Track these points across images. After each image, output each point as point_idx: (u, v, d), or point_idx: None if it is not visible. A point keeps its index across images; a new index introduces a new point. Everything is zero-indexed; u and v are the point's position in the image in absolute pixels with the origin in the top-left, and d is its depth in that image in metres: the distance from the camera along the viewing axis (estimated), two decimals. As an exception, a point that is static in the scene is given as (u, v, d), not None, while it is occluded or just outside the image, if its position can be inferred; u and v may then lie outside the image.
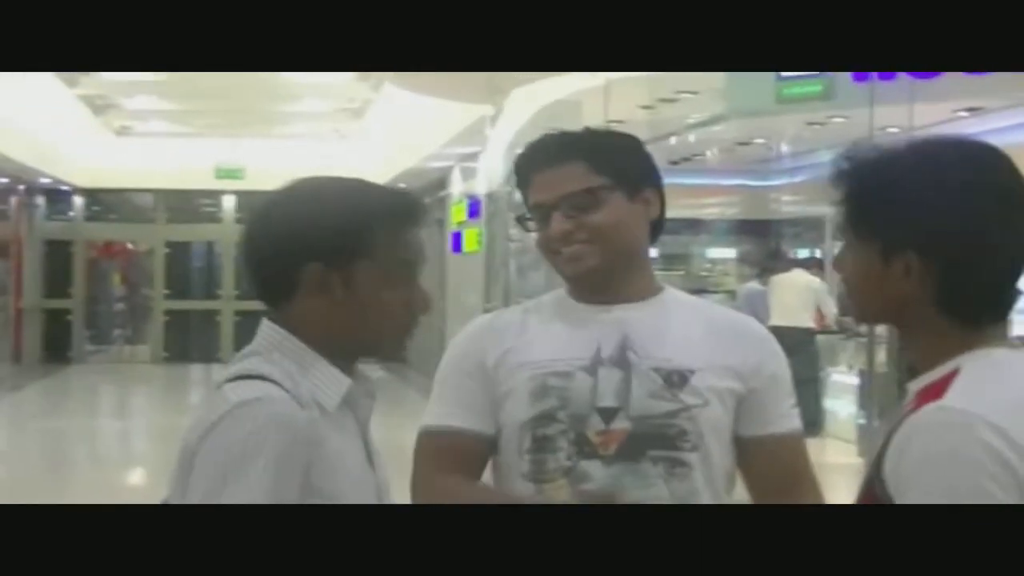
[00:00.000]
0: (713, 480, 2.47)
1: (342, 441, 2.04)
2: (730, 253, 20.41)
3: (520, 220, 2.56)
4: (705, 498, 2.44)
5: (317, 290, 2.04)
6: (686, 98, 11.70)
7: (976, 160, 1.91)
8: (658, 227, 2.58)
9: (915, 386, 1.93)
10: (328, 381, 2.05)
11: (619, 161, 2.52)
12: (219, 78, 15.19)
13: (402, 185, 22.75)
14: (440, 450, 2.53)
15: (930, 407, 1.81)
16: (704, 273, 20.39)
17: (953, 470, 1.74)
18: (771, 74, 10.02)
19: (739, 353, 2.50)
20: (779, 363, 2.56)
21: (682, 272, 19.57)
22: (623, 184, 2.49)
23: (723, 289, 18.19)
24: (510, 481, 2.50)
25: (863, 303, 2.01)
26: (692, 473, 2.44)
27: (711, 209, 20.27)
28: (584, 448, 2.44)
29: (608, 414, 2.44)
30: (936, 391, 1.84)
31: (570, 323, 2.53)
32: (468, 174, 17.69)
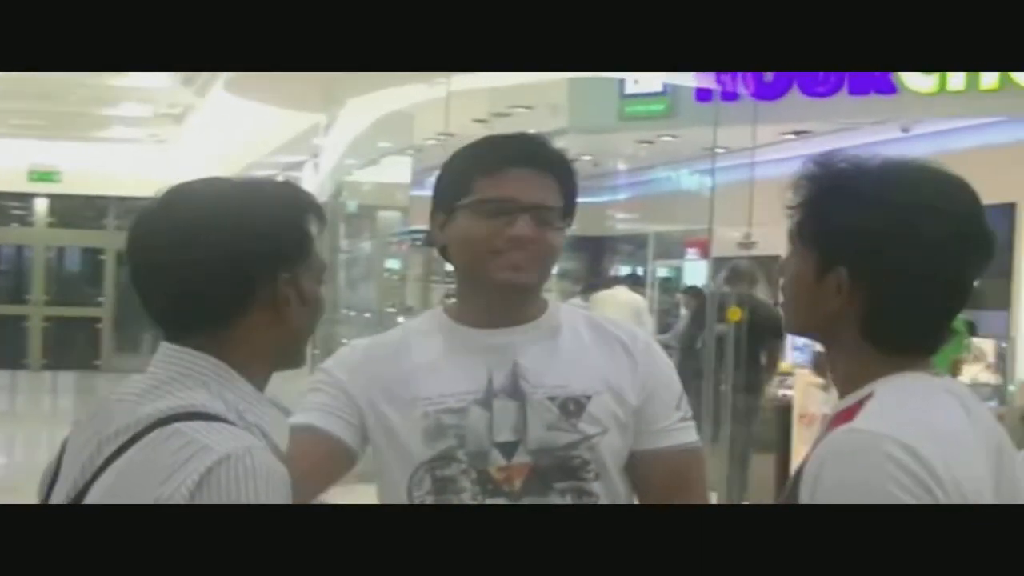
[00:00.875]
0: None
1: None
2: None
3: (461, 207, 2.38)
4: None
5: (276, 301, 1.90)
6: (520, 113, 11.73)
7: (932, 187, 1.89)
8: None
9: (830, 412, 1.93)
10: (272, 416, 1.92)
11: (572, 190, 2.44)
12: (35, 78, 14.73)
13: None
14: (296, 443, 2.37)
15: (840, 430, 1.80)
16: (524, 288, 20.43)
17: (867, 492, 1.72)
18: (615, 91, 10.11)
19: (628, 368, 2.44)
20: (664, 374, 2.49)
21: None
22: (567, 211, 2.42)
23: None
24: None
25: (794, 312, 2.00)
26: (599, 503, 2.37)
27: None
28: (488, 486, 2.35)
29: (507, 449, 2.36)
30: (848, 415, 1.84)
31: (457, 351, 2.43)
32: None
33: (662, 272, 19.12)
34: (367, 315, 13.93)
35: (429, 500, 2.36)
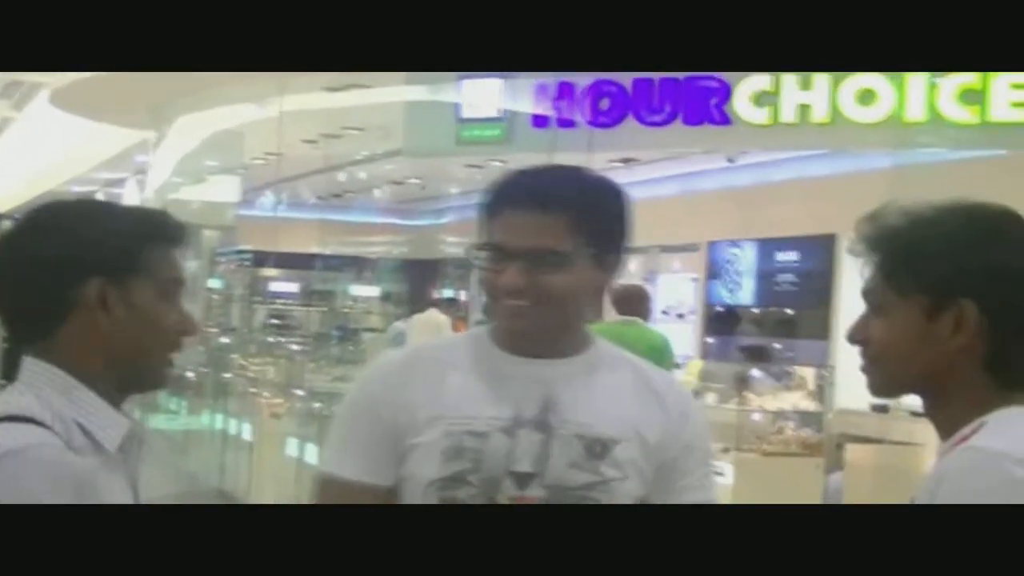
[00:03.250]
0: None
1: (118, 490, 1.93)
2: (373, 291, 20.60)
3: (469, 251, 2.34)
4: None
5: (95, 307, 1.93)
6: (352, 134, 11.68)
7: (1013, 219, 1.92)
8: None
9: (941, 450, 1.90)
10: (106, 420, 1.94)
11: (602, 224, 2.33)
12: None
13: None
14: (330, 500, 2.38)
15: (958, 449, 1.80)
16: (346, 310, 20.53)
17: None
18: (451, 116, 10.13)
19: (661, 420, 2.37)
20: (697, 431, 2.44)
21: (325, 309, 19.64)
22: (595, 249, 2.31)
23: (365, 327, 18.30)
24: None
25: (897, 368, 1.94)
26: None
27: (376, 248, 20.41)
28: None
29: (522, 480, 2.30)
30: (962, 441, 1.83)
31: (491, 375, 2.36)
32: (113, 200, 17.08)
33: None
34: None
35: None
